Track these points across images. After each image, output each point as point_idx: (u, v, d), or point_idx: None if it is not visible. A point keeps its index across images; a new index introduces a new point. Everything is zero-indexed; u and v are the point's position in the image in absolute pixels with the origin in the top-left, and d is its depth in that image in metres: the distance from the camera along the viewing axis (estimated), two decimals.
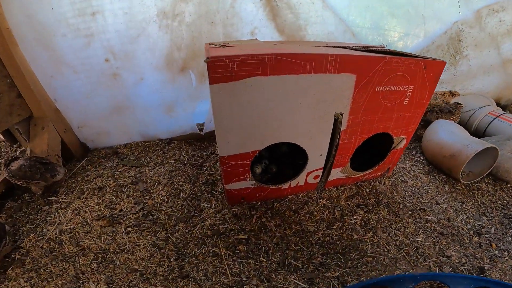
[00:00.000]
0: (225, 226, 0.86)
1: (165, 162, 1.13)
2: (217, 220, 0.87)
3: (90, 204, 0.91)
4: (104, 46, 1.00)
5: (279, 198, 0.96)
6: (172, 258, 0.76)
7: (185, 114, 1.24)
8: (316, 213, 0.91)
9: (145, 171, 1.07)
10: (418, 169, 1.17)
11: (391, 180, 1.08)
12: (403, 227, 0.88)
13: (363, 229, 0.86)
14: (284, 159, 1.04)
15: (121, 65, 1.06)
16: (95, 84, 1.07)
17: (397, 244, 0.82)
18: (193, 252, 0.78)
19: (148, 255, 0.76)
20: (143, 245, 0.79)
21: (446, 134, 1.19)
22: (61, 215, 0.87)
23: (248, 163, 0.81)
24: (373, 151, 1.06)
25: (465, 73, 1.47)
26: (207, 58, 0.59)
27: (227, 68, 0.61)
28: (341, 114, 0.78)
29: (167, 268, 0.74)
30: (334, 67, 0.69)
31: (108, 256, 0.76)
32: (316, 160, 0.89)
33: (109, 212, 0.88)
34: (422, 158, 1.23)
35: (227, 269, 0.74)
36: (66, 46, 0.97)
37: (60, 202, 0.92)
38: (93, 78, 1.05)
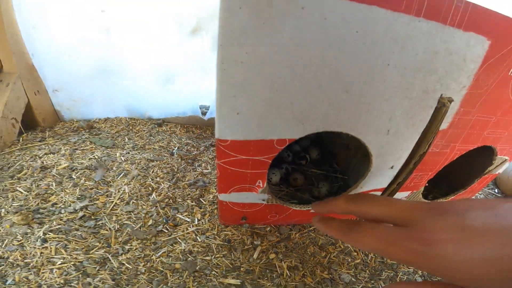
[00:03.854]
0: (207, 258, 0.52)
1: (147, 147, 0.82)
2: (197, 246, 0.53)
3: (18, 188, 0.61)
4: None
5: (301, 224, 0.61)
6: None
7: (188, 91, 0.95)
8: (356, 253, 0.57)
9: (115, 154, 0.77)
10: None
11: None
12: None
13: None
14: (311, 169, 0.71)
15: (117, 18, 0.81)
16: (81, 40, 0.83)
17: None
18: None
19: (62, 281, 0.44)
20: (61, 263, 0.47)
21: None
22: None
23: (266, 162, 0.45)
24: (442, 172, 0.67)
25: None
26: None
27: None
28: (449, 102, 0.42)
29: None
30: (460, 18, 0.35)
31: None
32: (380, 175, 0.53)
33: (36, 204, 0.57)
34: (496, 191, 0.89)
35: None
36: None
37: None
38: (81, 32, 0.81)
